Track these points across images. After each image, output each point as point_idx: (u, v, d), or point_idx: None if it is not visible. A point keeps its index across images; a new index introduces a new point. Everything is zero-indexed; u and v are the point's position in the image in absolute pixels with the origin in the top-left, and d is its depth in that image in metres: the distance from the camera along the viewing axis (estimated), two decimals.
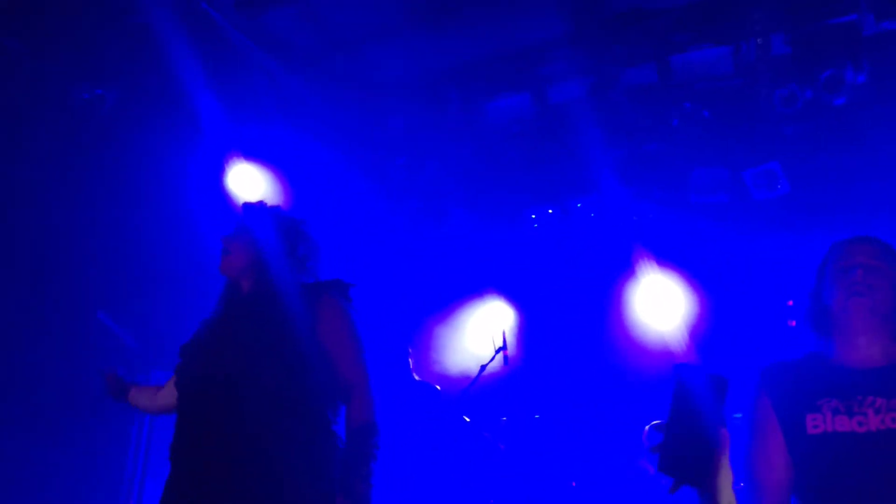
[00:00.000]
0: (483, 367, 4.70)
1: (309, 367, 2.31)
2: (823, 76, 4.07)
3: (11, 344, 4.52)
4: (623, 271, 5.69)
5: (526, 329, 6.19)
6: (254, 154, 5.16)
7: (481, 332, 5.95)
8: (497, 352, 4.70)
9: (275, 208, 2.70)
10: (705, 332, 5.28)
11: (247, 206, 2.67)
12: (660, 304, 5.40)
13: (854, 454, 1.85)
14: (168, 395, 2.67)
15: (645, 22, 4.55)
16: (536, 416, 5.50)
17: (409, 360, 5.07)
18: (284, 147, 5.29)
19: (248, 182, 5.16)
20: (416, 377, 5.03)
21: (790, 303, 4.53)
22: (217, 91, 4.96)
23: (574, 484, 5.14)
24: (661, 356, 5.30)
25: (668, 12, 4.51)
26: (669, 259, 5.52)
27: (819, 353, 2.09)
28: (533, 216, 5.93)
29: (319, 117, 5.43)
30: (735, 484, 1.38)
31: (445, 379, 5.56)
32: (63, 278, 4.76)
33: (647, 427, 4.70)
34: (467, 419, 4.72)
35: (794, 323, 4.27)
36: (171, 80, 4.88)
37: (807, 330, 2.10)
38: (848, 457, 1.86)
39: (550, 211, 5.90)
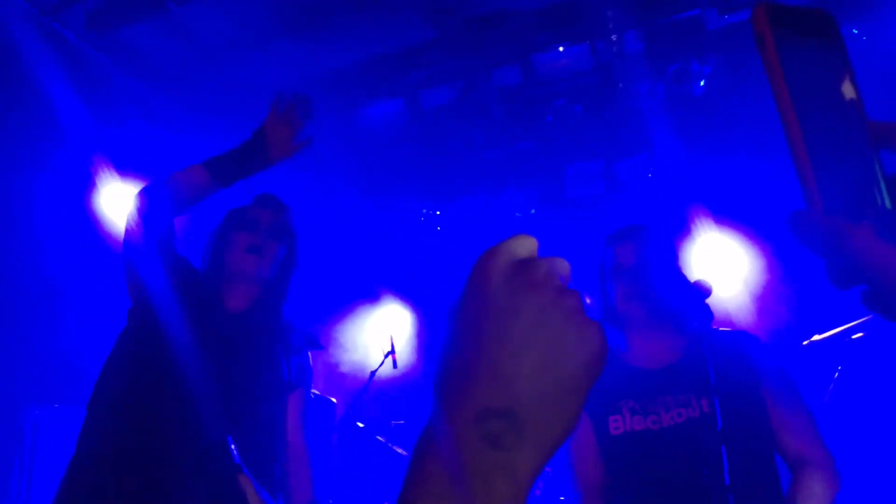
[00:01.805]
0: (373, 373, 4.71)
1: (282, 426, 2.16)
2: (670, 70, 4.25)
3: None
4: None
5: (421, 330, 6.23)
6: (124, 171, 5.01)
7: (375, 337, 5.96)
8: (386, 356, 4.72)
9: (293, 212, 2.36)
10: None
11: (275, 199, 2.30)
12: None
13: (650, 450, 1.99)
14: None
15: (506, 23, 4.65)
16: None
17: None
18: (155, 163, 5.16)
19: (120, 201, 5.00)
20: (315, 392, 4.98)
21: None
22: (79, 111, 4.80)
23: None
24: None
25: (527, 13, 4.62)
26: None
27: (614, 352, 2.21)
28: (422, 218, 5.99)
29: (189, 131, 5.33)
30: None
31: (341, 387, 5.55)
32: None
33: None
34: (360, 425, 4.72)
35: None
36: (29, 102, 4.70)
37: (599, 318, 2.21)
38: (645, 453, 1.99)
39: (438, 212, 5.96)
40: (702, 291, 2.03)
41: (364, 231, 6.06)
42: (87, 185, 4.81)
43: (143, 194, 2.18)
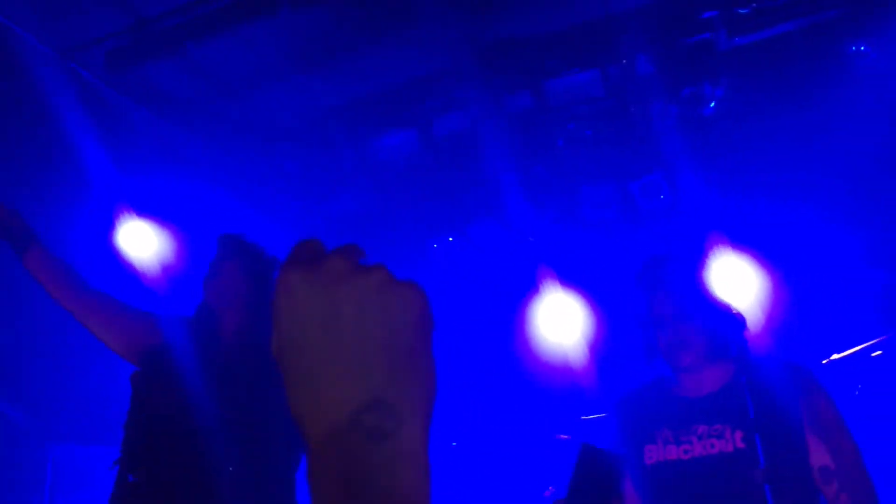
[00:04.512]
0: None
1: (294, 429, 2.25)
2: (684, 93, 4.30)
3: None
4: (526, 292, 5.81)
5: (438, 359, 6.22)
6: (145, 209, 5.08)
7: None
8: None
9: (256, 245, 2.52)
10: (605, 344, 5.44)
11: (230, 237, 2.49)
12: (562, 321, 5.54)
13: (679, 480, 1.99)
14: (89, 302, 2.42)
15: (517, 51, 4.72)
16: (454, 444, 5.54)
17: None
18: (176, 199, 5.23)
19: (140, 238, 5.06)
20: None
21: None
22: (100, 150, 4.88)
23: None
24: (566, 372, 5.44)
25: (537, 40, 4.69)
26: (569, 276, 5.68)
27: (663, 379, 2.22)
28: (435, 245, 6.01)
29: (211, 166, 5.41)
30: None
31: None
32: None
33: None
34: None
35: None
36: (52, 142, 4.78)
37: (645, 358, 2.23)
38: (675, 483, 2.00)
39: (451, 239, 5.99)
40: (740, 320, 2.05)
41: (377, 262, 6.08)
42: (110, 224, 4.87)
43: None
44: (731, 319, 2.12)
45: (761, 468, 1.84)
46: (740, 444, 1.96)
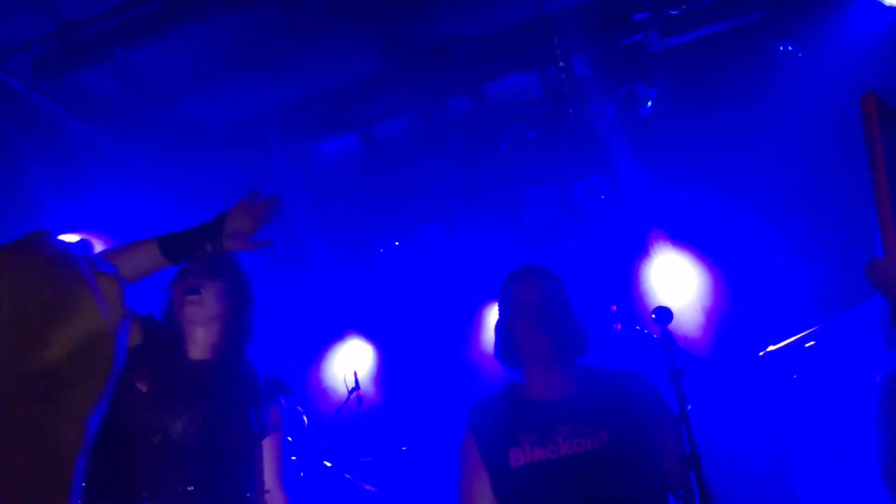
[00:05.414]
0: (338, 411, 4.66)
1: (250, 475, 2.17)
2: (620, 93, 4.37)
3: None
4: (473, 295, 5.82)
5: (387, 364, 6.19)
6: (78, 218, 4.93)
7: (340, 375, 5.90)
8: (350, 393, 4.67)
9: (237, 261, 2.36)
10: None
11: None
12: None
13: (549, 479, 2.05)
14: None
15: (456, 53, 4.72)
16: (404, 448, 5.50)
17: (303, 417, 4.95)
18: (109, 207, 5.08)
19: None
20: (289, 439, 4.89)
21: (613, 307, 4.80)
22: (31, 159, 4.73)
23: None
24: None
25: (475, 42, 4.70)
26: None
27: (515, 385, 2.28)
28: (381, 250, 5.97)
29: (146, 174, 5.28)
30: None
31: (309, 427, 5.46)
32: None
33: None
34: (328, 464, 4.66)
35: (619, 326, 4.54)
36: None
37: (500, 362, 2.28)
38: (544, 482, 2.06)
39: (397, 243, 5.95)
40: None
41: (323, 268, 6.02)
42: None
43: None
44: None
45: (686, 456, 1.92)
46: (607, 442, 2.03)
